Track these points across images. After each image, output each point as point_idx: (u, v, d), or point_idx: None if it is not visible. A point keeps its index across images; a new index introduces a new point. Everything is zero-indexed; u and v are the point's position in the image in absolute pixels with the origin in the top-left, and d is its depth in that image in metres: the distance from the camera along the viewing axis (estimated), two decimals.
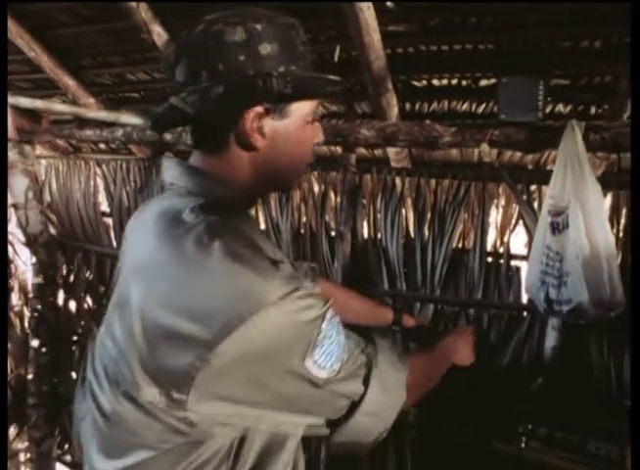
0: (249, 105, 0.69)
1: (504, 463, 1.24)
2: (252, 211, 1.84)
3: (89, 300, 2.64)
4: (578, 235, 1.17)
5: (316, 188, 2.00)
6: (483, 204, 1.66)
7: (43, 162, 2.76)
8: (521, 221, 1.71)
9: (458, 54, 1.43)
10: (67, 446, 2.75)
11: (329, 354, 0.66)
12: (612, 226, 1.47)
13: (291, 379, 0.65)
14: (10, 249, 2.88)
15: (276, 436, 0.71)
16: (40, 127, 2.24)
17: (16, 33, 1.86)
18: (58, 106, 2.06)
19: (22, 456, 2.78)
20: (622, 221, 1.52)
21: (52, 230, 2.58)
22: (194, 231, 0.65)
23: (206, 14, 0.71)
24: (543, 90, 1.28)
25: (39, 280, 2.40)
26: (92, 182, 2.56)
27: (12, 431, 2.75)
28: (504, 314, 1.64)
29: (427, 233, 1.74)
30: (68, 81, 2.07)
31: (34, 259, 2.43)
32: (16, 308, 2.87)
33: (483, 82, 1.51)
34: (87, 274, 2.62)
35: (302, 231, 2.01)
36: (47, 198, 2.67)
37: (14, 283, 2.91)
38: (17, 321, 2.85)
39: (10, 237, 2.83)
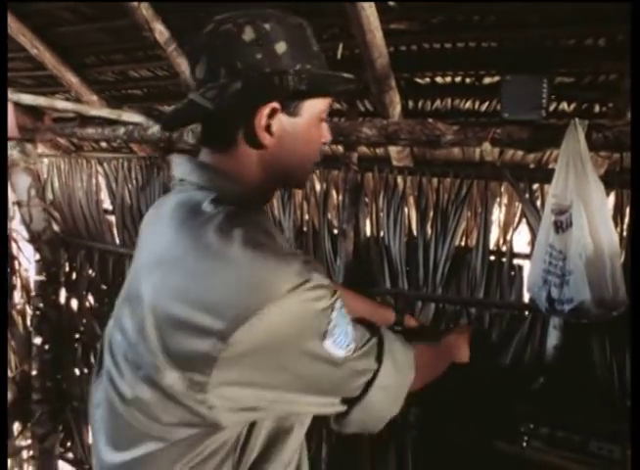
0: (265, 101, 0.70)
1: (505, 463, 1.24)
2: None
3: (91, 297, 2.65)
4: (582, 234, 1.17)
5: (318, 186, 2.00)
6: (486, 202, 1.66)
7: (45, 160, 2.76)
8: (523, 220, 1.70)
9: (461, 52, 1.42)
10: (69, 443, 2.77)
11: (346, 334, 0.69)
12: (615, 225, 1.46)
13: (309, 360, 0.66)
14: (14, 245, 2.89)
15: (282, 427, 0.73)
16: (42, 125, 2.25)
17: (18, 31, 1.86)
18: (60, 103, 2.06)
19: (24, 454, 2.79)
20: (626, 220, 1.51)
21: (55, 227, 2.60)
22: (214, 220, 0.66)
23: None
24: (547, 88, 1.28)
25: (42, 278, 2.41)
26: (94, 180, 2.57)
27: (16, 427, 2.77)
28: (506, 313, 1.63)
29: (429, 231, 1.73)
30: (71, 79, 2.07)
31: (38, 257, 2.44)
32: (18, 306, 2.88)
33: (487, 80, 1.50)
34: (89, 272, 2.63)
35: (305, 229, 2.01)
36: (49, 196, 2.68)
37: (16, 281, 2.92)
38: (19, 319, 2.86)
39: (14, 234, 2.84)
